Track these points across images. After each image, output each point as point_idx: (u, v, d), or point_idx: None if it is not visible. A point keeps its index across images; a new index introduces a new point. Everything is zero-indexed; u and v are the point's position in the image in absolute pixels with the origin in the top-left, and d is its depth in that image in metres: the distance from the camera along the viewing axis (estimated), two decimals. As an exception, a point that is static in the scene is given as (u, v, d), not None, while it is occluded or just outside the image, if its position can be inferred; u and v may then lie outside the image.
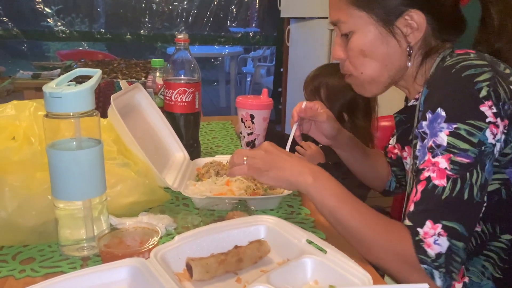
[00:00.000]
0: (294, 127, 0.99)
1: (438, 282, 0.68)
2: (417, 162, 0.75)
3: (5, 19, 4.64)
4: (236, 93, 5.43)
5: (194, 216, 0.89)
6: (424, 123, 0.74)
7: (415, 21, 0.79)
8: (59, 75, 2.81)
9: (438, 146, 0.71)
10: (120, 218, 0.81)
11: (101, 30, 5.03)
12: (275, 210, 0.94)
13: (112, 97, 0.92)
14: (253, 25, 5.73)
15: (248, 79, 6.19)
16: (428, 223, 0.68)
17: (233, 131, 1.61)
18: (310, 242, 0.71)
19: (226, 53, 5.50)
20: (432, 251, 0.68)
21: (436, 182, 0.69)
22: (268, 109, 1.33)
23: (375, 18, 0.81)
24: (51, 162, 0.71)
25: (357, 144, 1.10)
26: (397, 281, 0.75)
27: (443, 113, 0.71)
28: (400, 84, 0.89)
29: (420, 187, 0.71)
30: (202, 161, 1.16)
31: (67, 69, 3.07)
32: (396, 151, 1.10)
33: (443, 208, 0.69)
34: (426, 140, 0.74)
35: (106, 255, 0.69)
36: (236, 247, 0.71)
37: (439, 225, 0.68)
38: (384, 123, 1.59)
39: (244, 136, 1.34)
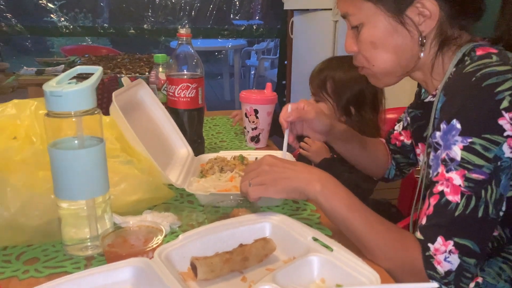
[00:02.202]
0: (286, 134, 0.96)
1: None
2: (431, 171, 0.73)
3: (9, 15, 4.65)
4: (240, 86, 5.41)
5: (199, 213, 0.88)
6: (437, 134, 0.72)
7: (427, 8, 0.75)
8: (63, 71, 2.82)
9: (452, 160, 0.69)
10: (124, 216, 0.80)
11: (105, 25, 5.02)
12: (280, 207, 0.93)
13: (113, 94, 0.91)
14: (257, 17, 5.71)
15: (252, 72, 6.16)
16: (440, 239, 0.67)
17: (237, 125, 1.59)
18: (316, 240, 0.70)
19: (229, 46, 5.47)
20: (441, 269, 0.67)
21: (450, 197, 0.68)
22: (272, 103, 1.32)
23: (383, 8, 0.77)
24: (53, 162, 0.70)
25: (353, 135, 1.08)
26: None
27: (458, 125, 0.68)
28: (417, 76, 0.86)
29: (433, 201, 0.70)
30: (206, 157, 1.15)
31: (70, 64, 3.07)
32: (402, 138, 1.08)
33: (455, 225, 0.67)
34: (439, 151, 0.72)
35: (110, 255, 0.68)
36: (241, 245, 0.70)
37: (451, 242, 0.67)
38: (390, 115, 1.57)
39: (248, 131, 1.34)
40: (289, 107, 0.96)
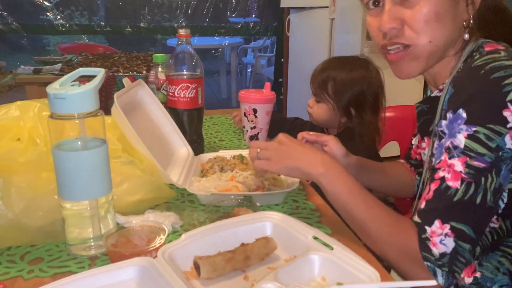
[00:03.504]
0: None
1: (440, 280, 0.69)
2: (434, 160, 0.75)
3: (5, 13, 4.62)
4: (237, 83, 5.41)
5: (200, 212, 0.89)
6: (443, 122, 0.73)
7: None
8: (60, 70, 2.81)
9: (455, 147, 0.70)
10: (126, 216, 0.81)
11: (101, 23, 5.00)
12: (280, 205, 0.94)
13: (115, 95, 0.92)
14: (253, 15, 5.70)
15: (249, 69, 6.17)
16: (437, 223, 0.69)
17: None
18: (316, 238, 0.71)
19: (226, 44, 5.47)
20: (436, 250, 0.68)
21: (450, 183, 0.69)
22: (271, 103, 1.33)
23: None
24: (56, 163, 0.71)
25: (369, 162, 1.08)
26: (400, 274, 0.76)
27: (464, 115, 0.70)
28: (433, 68, 0.84)
29: (433, 186, 0.71)
30: (206, 156, 1.16)
31: (68, 63, 3.07)
32: (419, 151, 1.07)
33: (453, 210, 0.69)
34: (443, 140, 0.73)
35: (114, 254, 0.69)
36: (243, 244, 0.71)
37: (447, 226, 0.68)
38: (389, 114, 1.58)
39: (247, 130, 1.34)
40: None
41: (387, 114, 1.57)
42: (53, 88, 0.68)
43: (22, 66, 2.89)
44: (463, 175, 0.69)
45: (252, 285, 0.65)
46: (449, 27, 0.77)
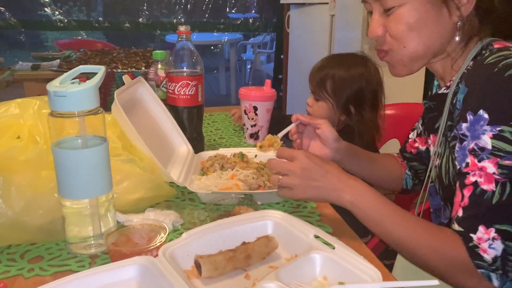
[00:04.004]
0: (292, 125, 1.01)
1: (495, 283, 0.70)
2: (457, 163, 0.74)
3: (2, 8, 4.59)
4: (236, 80, 5.40)
5: (201, 211, 0.89)
6: (464, 125, 0.73)
7: None
8: (58, 66, 2.80)
9: (482, 149, 0.70)
10: (126, 214, 0.81)
11: (99, 18, 4.98)
12: (281, 204, 0.94)
13: (115, 92, 0.91)
14: (253, 11, 5.67)
15: (248, 66, 6.15)
16: (481, 229, 0.69)
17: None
18: (317, 237, 0.71)
19: (225, 40, 5.45)
20: (488, 256, 0.69)
21: (485, 187, 0.69)
22: (271, 100, 1.32)
23: None
24: (56, 161, 0.70)
25: (359, 150, 1.09)
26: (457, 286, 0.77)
27: (486, 115, 0.70)
28: (437, 66, 0.86)
29: (467, 192, 0.71)
30: (206, 154, 1.15)
31: (66, 59, 3.05)
32: (416, 145, 1.08)
33: (494, 213, 0.69)
34: (466, 142, 0.73)
35: (114, 253, 0.69)
36: (244, 243, 0.71)
37: (492, 229, 0.68)
38: (388, 112, 1.58)
39: (247, 128, 1.34)
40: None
41: (387, 112, 1.57)
42: (53, 86, 0.68)
43: (20, 62, 2.88)
44: (497, 176, 0.69)
45: (253, 284, 0.65)
46: (429, 33, 0.79)
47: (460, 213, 0.72)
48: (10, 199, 0.72)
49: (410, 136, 1.12)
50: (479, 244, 0.69)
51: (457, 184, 0.74)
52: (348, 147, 1.04)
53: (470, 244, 0.70)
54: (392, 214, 0.76)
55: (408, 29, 0.79)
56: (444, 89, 0.86)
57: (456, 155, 0.75)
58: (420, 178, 1.13)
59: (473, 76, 0.75)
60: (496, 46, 0.77)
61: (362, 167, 1.08)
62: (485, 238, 0.69)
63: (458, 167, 0.74)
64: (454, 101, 0.80)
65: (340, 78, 1.40)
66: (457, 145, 0.75)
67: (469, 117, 0.72)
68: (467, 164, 0.72)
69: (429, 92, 1.02)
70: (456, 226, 0.72)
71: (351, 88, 1.39)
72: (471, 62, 0.80)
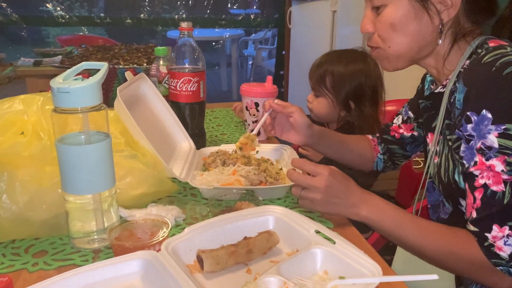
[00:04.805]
0: (265, 116, 1.03)
1: None
2: (465, 162, 0.75)
3: (4, 4, 4.59)
4: (237, 76, 5.40)
5: (203, 206, 0.90)
6: (469, 126, 0.74)
7: None
8: (60, 62, 2.81)
9: (489, 148, 0.71)
10: (129, 209, 0.82)
11: (101, 14, 4.97)
12: (282, 199, 0.95)
13: (118, 89, 0.92)
14: (254, 6, 5.66)
15: (250, 62, 6.15)
16: (495, 227, 0.70)
17: (237, 118, 1.60)
18: (318, 233, 0.72)
19: (227, 36, 5.44)
20: (504, 253, 0.70)
21: (494, 188, 0.71)
22: (273, 96, 1.33)
23: None
24: (60, 157, 0.71)
25: (331, 134, 1.12)
26: (483, 284, 0.79)
27: (489, 115, 0.71)
28: (429, 63, 0.88)
29: (478, 194, 0.73)
30: (208, 150, 1.16)
31: (68, 55, 3.06)
32: (401, 131, 1.11)
33: (506, 211, 0.70)
34: (472, 142, 0.74)
35: (117, 248, 0.70)
36: (245, 238, 0.72)
37: (506, 227, 0.70)
38: (389, 108, 1.58)
39: (249, 124, 1.35)
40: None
41: (389, 108, 1.57)
42: (57, 82, 0.68)
43: (22, 58, 2.89)
44: (504, 176, 0.70)
45: (255, 279, 0.66)
46: (412, 35, 0.82)
47: (474, 214, 0.73)
48: (14, 194, 0.73)
49: (395, 121, 1.14)
50: (494, 242, 0.70)
51: (467, 186, 0.76)
52: (320, 132, 1.08)
53: (486, 244, 0.71)
54: (408, 224, 0.78)
55: (392, 29, 0.83)
56: (441, 88, 0.86)
57: (463, 155, 0.76)
58: (395, 162, 1.17)
59: (472, 75, 0.76)
60: (491, 44, 0.78)
61: (334, 149, 1.13)
62: (500, 236, 0.70)
63: (466, 166, 0.75)
64: (452, 99, 0.81)
65: (339, 74, 1.40)
66: (463, 145, 0.76)
67: (473, 117, 0.73)
68: (475, 163, 0.73)
69: (421, 89, 1.03)
70: (471, 227, 0.73)
71: (351, 83, 1.40)
72: (467, 61, 0.81)
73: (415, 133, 1.09)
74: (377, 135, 1.19)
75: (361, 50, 1.49)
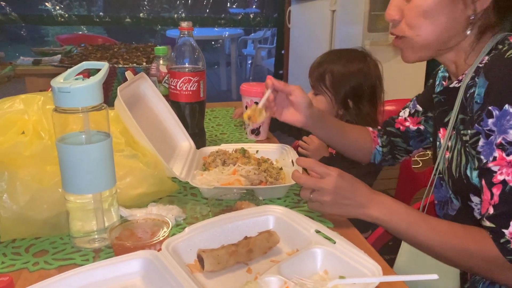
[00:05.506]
0: (269, 91, 1.01)
1: None
2: (482, 157, 0.75)
3: (3, 3, 4.58)
4: (237, 75, 5.40)
5: (203, 206, 0.90)
6: (490, 121, 0.73)
7: None
8: (60, 61, 2.80)
9: (510, 143, 0.70)
10: (130, 209, 0.82)
11: (100, 13, 4.97)
12: (282, 199, 0.95)
13: (118, 88, 0.92)
14: (254, 6, 5.67)
15: (249, 61, 6.15)
16: None
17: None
18: (318, 232, 0.72)
19: (226, 35, 5.45)
20: None
21: None
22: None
23: None
24: (61, 156, 0.71)
25: (331, 118, 1.10)
26: (499, 283, 0.79)
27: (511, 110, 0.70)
28: (449, 57, 0.86)
29: (496, 191, 0.72)
30: (208, 150, 1.16)
31: (67, 54, 3.05)
32: (407, 124, 1.10)
33: None
34: (492, 137, 0.73)
35: (118, 247, 0.70)
36: (246, 238, 0.72)
37: None
38: (388, 108, 1.58)
39: (248, 124, 1.35)
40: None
41: (388, 108, 1.58)
42: (58, 82, 0.68)
43: (21, 57, 2.88)
44: None
45: (255, 278, 0.66)
46: (443, 23, 0.79)
47: (491, 210, 0.73)
48: (15, 193, 0.73)
49: (401, 114, 1.13)
50: (511, 239, 0.70)
51: (483, 182, 0.75)
52: (320, 114, 1.06)
53: (502, 240, 0.70)
54: (419, 223, 0.78)
55: (424, 16, 0.79)
56: (456, 83, 0.85)
57: (480, 150, 0.75)
58: (395, 156, 1.16)
59: (494, 70, 0.75)
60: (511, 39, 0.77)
61: (332, 135, 1.11)
62: None
63: (484, 161, 0.74)
64: (468, 94, 0.80)
65: (338, 73, 1.41)
66: (482, 140, 0.75)
67: (495, 112, 0.72)
68: (494, 158, 0.72)
69: (431, 84, 1.02)
70: (487, 223, 0.73)
71: (350, 82, 1.41)
72: (486, 56, 0.80)
73: (422, 127, 1.08)
74: (379, 127, 1.19)
75: (361, 50, 1.49)
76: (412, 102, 1.11)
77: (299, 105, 1.01)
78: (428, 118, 1.07)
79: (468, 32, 0.81)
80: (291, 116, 1.04)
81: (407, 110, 1.12)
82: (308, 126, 1.05)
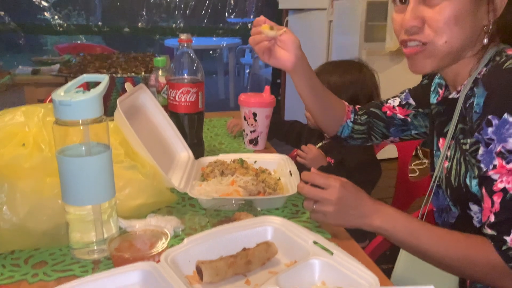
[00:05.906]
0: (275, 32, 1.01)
1: None
2: (481, 166, 0.76)
3: (2, 12, 4.61)
4: (234, 84, 5.42)
5: (201, 216, 0.91)
6: (490, 130, 0.74)
7: None
8: (58, 70, 2.81)
9: (510, 152, 0.72)
10: (129, 220, 0.82)
11: (99, 23, 5.00)
12: (280, 210, 0.95)
13: (118, 100, 0.93)
14: (251, 16, 5.71)
15: (247, 70, 6.17)
16: None
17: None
18: (316, 243, 0.72)
19: (224, 44, 5.48)
20: None
21: None
22: (271, 106, 1.34)
23: None
24: (61, 168, 0.72)
25: (315, 75, 1.09)
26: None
27: (511, 119, 0.71)
28: (454, 68, 0.85)
29: (497, 199, 0.73)
30: (207, 160, 1.17)
31: (66, 63, 3.07)
32: (396, 112, 1.11)
33: None
34: (492, 145, 0.74)
35: (117, 259, 0.70)
36: (244, 249, 0.72)
37: None
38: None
39: (247, 134, 1.36)
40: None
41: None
42: (59, 95, 0.69)
43: (20, 66, 2.89)
44: None
45: (254, 289, 0.67)
46: (468, 30, 0.79)
47: (492, 218, 0.73)
48: (14, 205, 0.73)
49: (390, 101, 1.13)
50: None
51: (484, 190, 0.76)
52: (307, 62, 1.05)
53: (504, 248, 0.71)
54: (421, 232, 0.78)
55: (454, 21, 0.78)
56: (455, 94, 0.86)
57: (480, 158, 0.76)
58: (371, 137, 1.16)
59: (493, 80, 0.76)
60: (509, 52, 0.78)
61: (312, 91, 1.09)
62: None
63: (484, 169, 0.75)
64: (468, 105, 0.81)
65: (335, 83, 1.43)
66: (482, 148, 0.76)
67: (494, 121, 0.73)
68: (494, 166, 0.73)
69: (426, 85, 1.03)
70: (488, 231, 0.74)
71: (346, 93, 1.43)
72: (484, 68, 0.81)
73: (408, 119, 1.09)
74: (359, 106, 1.18)
75: (357, 61, 1.51)
76: (404, 94, 1.11)
77: (290, 44, 1.01)
78: (417, 114, 1.08)
79: (485, 41, 0.81)
80: (281, 57, 1.03)
81: (397, 99, 1.11)
82: (296, 69, 1.03)
